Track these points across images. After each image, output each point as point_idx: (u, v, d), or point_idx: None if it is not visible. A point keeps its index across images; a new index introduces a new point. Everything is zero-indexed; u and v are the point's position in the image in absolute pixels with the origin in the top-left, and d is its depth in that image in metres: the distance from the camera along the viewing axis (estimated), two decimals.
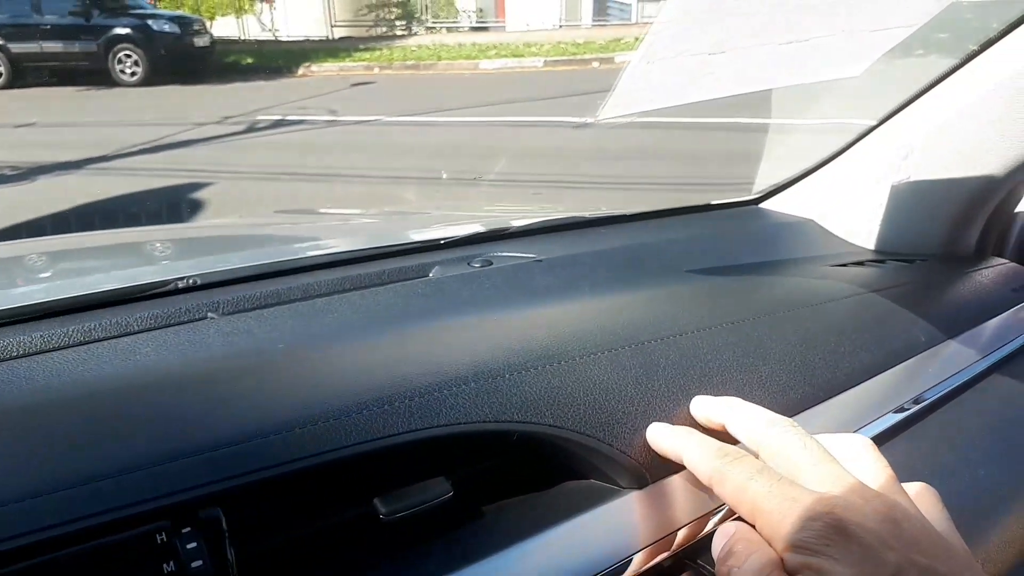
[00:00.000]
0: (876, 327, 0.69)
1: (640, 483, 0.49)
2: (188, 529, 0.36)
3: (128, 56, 9.74)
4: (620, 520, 0.47)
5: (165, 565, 0.35)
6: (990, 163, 0.83)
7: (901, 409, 0.63)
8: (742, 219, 1.04)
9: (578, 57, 10.47)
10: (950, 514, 0.41)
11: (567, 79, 9.22)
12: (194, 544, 0.37)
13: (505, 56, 10.76)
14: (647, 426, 0.51)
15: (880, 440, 0.62)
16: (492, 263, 0.83)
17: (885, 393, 0.64)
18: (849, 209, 0.97)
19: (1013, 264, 0.93)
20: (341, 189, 4.89)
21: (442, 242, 0.87)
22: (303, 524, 0.44)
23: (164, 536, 0.36)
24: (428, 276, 0.79)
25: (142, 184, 5.19)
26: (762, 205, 1.08)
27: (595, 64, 10.29)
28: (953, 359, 0.71)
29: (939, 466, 0.62)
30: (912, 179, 0.90)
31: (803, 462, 0.41)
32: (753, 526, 0.39)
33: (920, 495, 0.42)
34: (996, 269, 0.89)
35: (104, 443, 0.39)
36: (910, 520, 0.37)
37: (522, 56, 10.64)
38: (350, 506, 0.44)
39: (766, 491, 0.39)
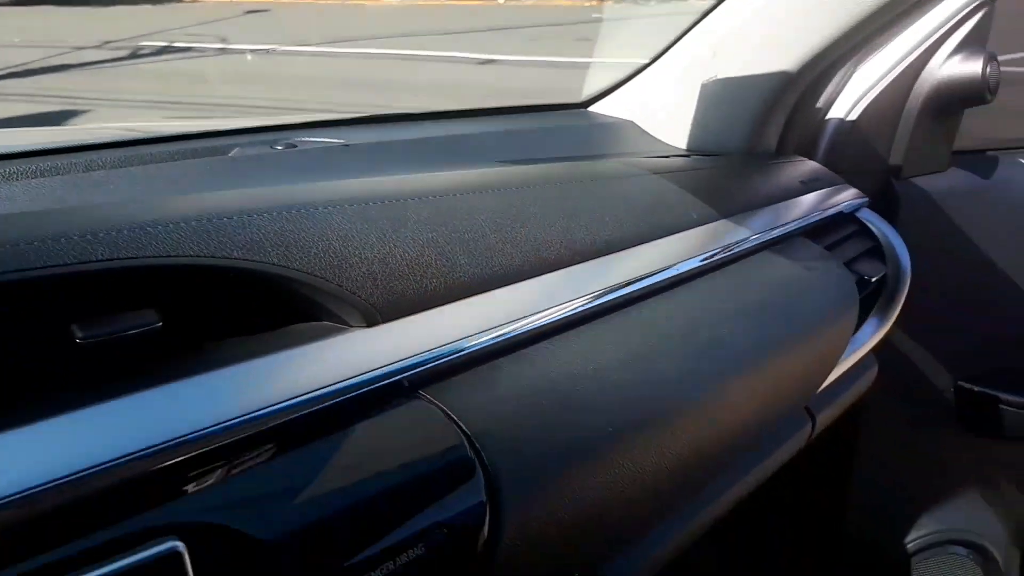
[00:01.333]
0: (648, 204, 0.72)
1: (370, 322, 0.50)
2: None
3: None
4: (347, 353, 0.48)
5: None
6: (783, 60, 0.87)
7: (659, 273, 0.67)
8: (566, 120, 1.06)
9: None
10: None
11: (472, 14, 9.07)
12: None
13: None
14: (387, 271, 0.52)
15: (637, 301, 0.65)
16: (296, 147, 0.82)
17: (646, 259, 0.67)
18: (663, 110, 1.00)
19: (811, 162, 0.98)
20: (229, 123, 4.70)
21: (247, 128, 0.86)
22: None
23: None
24: (227, 155, 0.77)
25: (8, 110, 4.86)
26: (590, 109, 1.10)
27: (501, 1, 10.14)
28: (721, 236, 0.74)
29: (691, 328, 0.66)
30: (716, 78, 0.93)
31: None
32: None
33: None
34: (791, 164, 0.94)
35: None
36: None
37: None
38: (46, 330, 0.43)
39: None
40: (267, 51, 6.95)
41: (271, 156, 0.79)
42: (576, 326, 0.60)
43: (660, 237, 0.70)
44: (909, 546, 1.40)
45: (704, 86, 0.95)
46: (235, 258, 0.47)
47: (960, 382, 1.22)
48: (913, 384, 1.20)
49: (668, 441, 0.60)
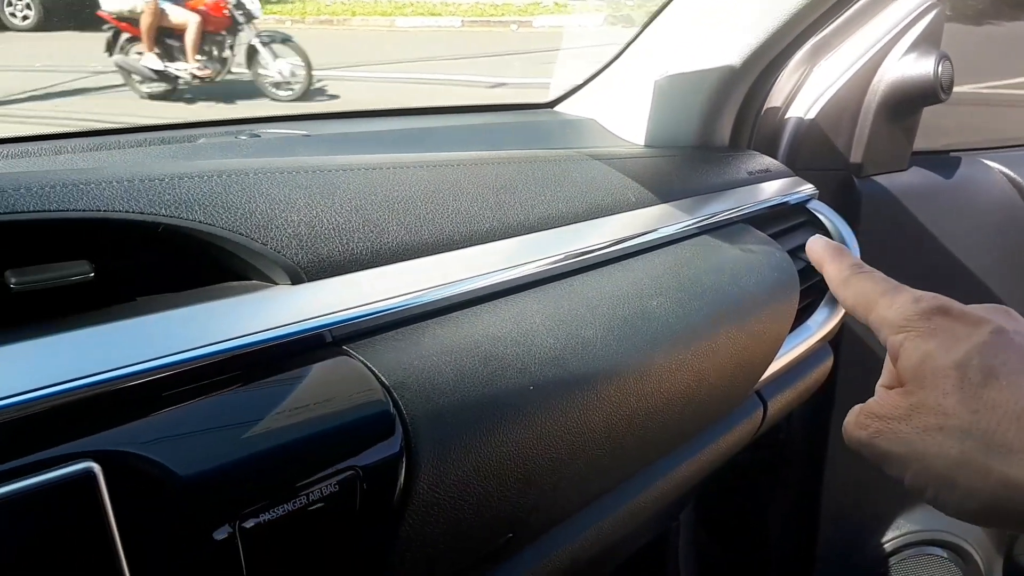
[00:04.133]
0: (587, 186, 0.75)
1: (295, 280, 0.53)
2: None
3: None
4: (272, 308, 0.51)
5: None
6: (726, 55, 0.90)
7: (591, 252, 0.69)
8: (531, 118, 1.10)
9: (496, 18, 10.42)
10: None
11: (484, 40, 9.18)
12: None
13: (422, 14, 10.63)
14: (312, 233, 0.55)
15: (567, 276, 0.68)
16: (260, 136, 0.86)
17: (578, 237, 0.70)
18: (621, 107, 1.04)
19: (762, 155, 1.01)
20: None
21: (218, 120, 0.90)
22: None
23: None
24: (194, 143, 0.81)
25: (29, 130, 4.97)
26: (555, 108, 1.14)
27: (513, 27, 10.27)
28: (658, 220, 0.77)
29: (619, 300, 0.68)
30: (667, 75, 0.96)
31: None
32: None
33: None
34: (740, 156, 0.96)
35: None
36: (1019, 316, 0.40)
37: (439, 15, 10.53)
38: None
39: (881, 288, 0.43)
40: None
41: (233, 144, 0.83)
42: (504, 296, 0.63)
43: (596, 217, 0.72)
44: (886, 546, 1.40)
45: (656, 83, 0.98)
46: (161, 215, 0.50)
47: None
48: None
49: (594, 405, 0.62)
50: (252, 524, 0.43)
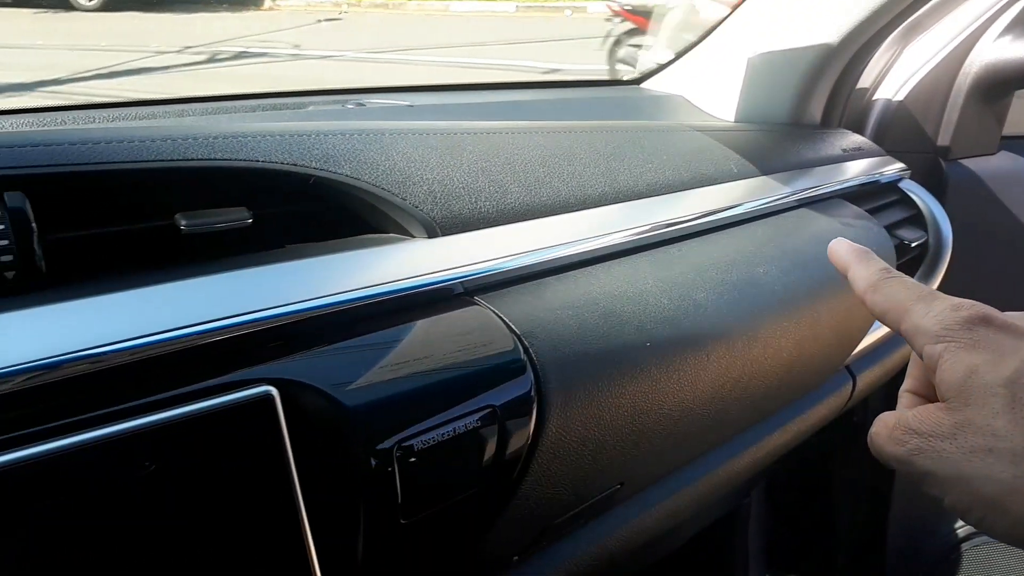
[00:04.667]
0: (691, 156, 0.76)
1: (431, 234, 0.56)
2: None
3: None
4: (411, 258, 0.54)
5: None
6: (825, 33, 0.91)
7: (699, 218, 0.71)
8: (619, 93, 1.11)
9: (550, 4, 10.38)
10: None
11: (539, 25, 9.16)
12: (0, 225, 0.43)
13: None
14: (445, 191, 0.58)
15: (676, 241, 0.70)
16: (365, 106, 0.89)
17: (686, 204, 0.72)
18: (712, 84, 1.05)
19: (854, 134, 1.01)
20: None
21: (322, 90, 0.93)
22: (110, 226, 0.50)
23: None
24: (304, 110, 0.85)
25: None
26: (643, 85, 1.15)
27: (568, 12, 10.23)
28: (759, 191, 0.79)
29: (728, 265, 0.70)
30: (761, 52, 0.97)
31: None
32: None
33: None
34: (833, 134, 0.97)
35: None
36: None
37: (494, 0, 10.52)
38: (161, 218, 0.50)
39: (916, 294, 0.39)
40: (338, 58, 7.15)
41: (342, 111, 0.86)
42: (617, 257, 0.65)
43: (701, 186, 0.74)
44: (959, 532, 1.40)
45: (750, 60, 0.99)
46: (312, 168, 0.54)
47: None
48: None
49: (703, 364, 0.64)
50: (405, 451, 0.46)
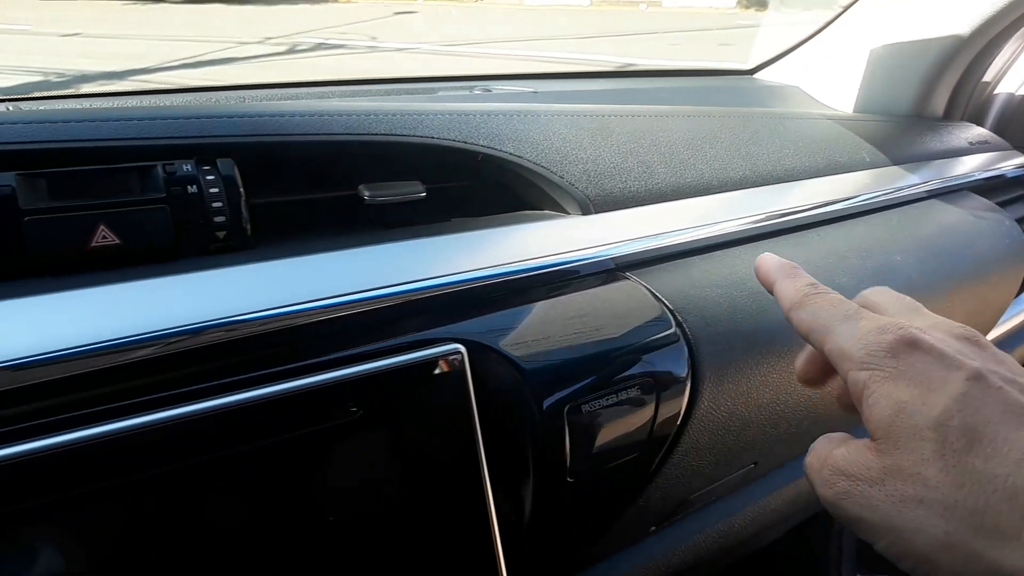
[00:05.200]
0: (825, 143, 0.77)
1: (585, 211, 0.58)
2: (208, 167, 0.47)
3: None
4: (568, 234, 0.57)
5: (189, 187, 0.46)
6: (955, 24, 0.90)
7: (835, 203, 0.72)
8: (733, 83, 1.12)
9: None
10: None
11: (613, 20, 9.12)
12: (215, 188, 0.47)
13: None
14: (597, 170, 0.60)
15: (813, 227, 0.70)
16: (491, 91, 0.92)
17: (822, 190, 0.72)
18: (830, 75, 1.04)
19: (978, 127, 1.00)
20: None
21: (448, 76, 0.96)
22: (305, 193, 0.54)
23: (190, 167, 0.46)
24: (435, 95, 0.88)
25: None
26: (755, 75, 1.15)
27: (642, 7, 10.15)
28: (890, 180, 0.79)
29: (866, 252, 0.70)
30: (885, 44, 0.97)
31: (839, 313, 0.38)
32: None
33: None
34: (958, 126, 0.96)
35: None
36: (988, 344, 0.35)
37: None
38: (341, 188, 0.54)
39: (840, 313, 0.37)
40: (413, 50, 7.25)
41: (471, 96, 0.89)
42: (757, 240, 0.67)
43: (835, 174, 0.75)
44: None
45: (873, 51, 0.98)
46: (479, 145, 0.56)
47: None
48: None
49: None
50: (575, 413, 0.48)
